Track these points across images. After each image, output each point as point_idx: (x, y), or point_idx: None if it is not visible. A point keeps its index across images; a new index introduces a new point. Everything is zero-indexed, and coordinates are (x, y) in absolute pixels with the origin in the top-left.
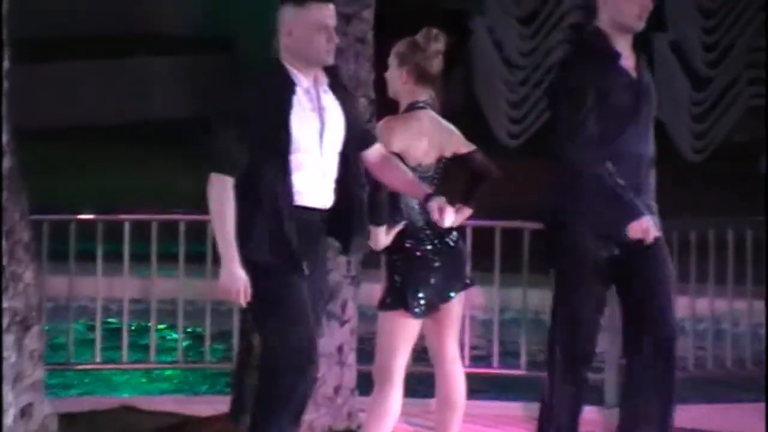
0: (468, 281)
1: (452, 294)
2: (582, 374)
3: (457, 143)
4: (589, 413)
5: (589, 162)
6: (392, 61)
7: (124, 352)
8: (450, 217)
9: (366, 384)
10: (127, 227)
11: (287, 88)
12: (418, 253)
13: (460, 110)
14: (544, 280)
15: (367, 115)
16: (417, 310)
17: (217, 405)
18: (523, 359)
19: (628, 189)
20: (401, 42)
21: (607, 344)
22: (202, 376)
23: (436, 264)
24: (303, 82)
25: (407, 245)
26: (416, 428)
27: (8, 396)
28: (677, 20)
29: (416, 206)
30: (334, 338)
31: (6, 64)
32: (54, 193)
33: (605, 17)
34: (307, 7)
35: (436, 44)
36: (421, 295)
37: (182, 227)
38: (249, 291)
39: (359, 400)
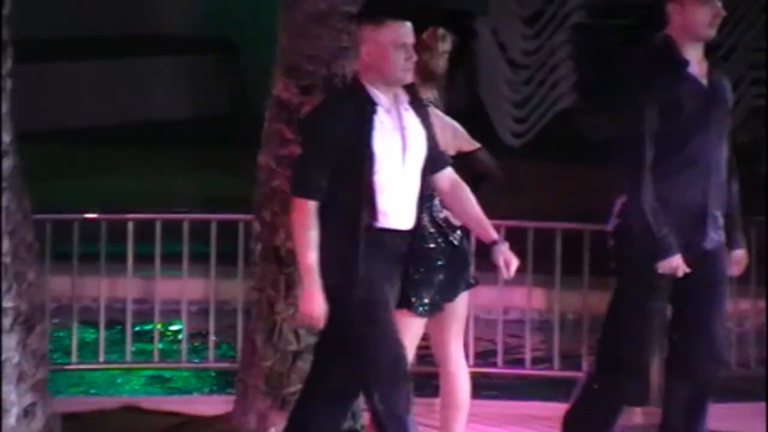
0: (472, 281)
1: (456, 294)
2: (621, 383)
3: (462, 141)
4: None
5: (633, 186)
6: None
7: (128, 352)
8: (514, 269)
9: None
10: (130, 227)
11: (368, 107)
12: (422, 252)
13: (464, 110)
14: (548, 280)
15: None
16: (420, 309)
17: (221, 405)
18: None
19: (663, 224)
20: None
21: None
22: (205, 376)
23: (440, 263)
24: (383, 101)
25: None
26: (421, 428)
27: (11, 396)
28: None
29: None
30: None
31: (9, 63)
32: (55, 195)
33: (676, 24)
34: (384, 25)
35: (442, 44)
36: (424, 294)
37: (186, 227)
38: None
39: (363, 399)
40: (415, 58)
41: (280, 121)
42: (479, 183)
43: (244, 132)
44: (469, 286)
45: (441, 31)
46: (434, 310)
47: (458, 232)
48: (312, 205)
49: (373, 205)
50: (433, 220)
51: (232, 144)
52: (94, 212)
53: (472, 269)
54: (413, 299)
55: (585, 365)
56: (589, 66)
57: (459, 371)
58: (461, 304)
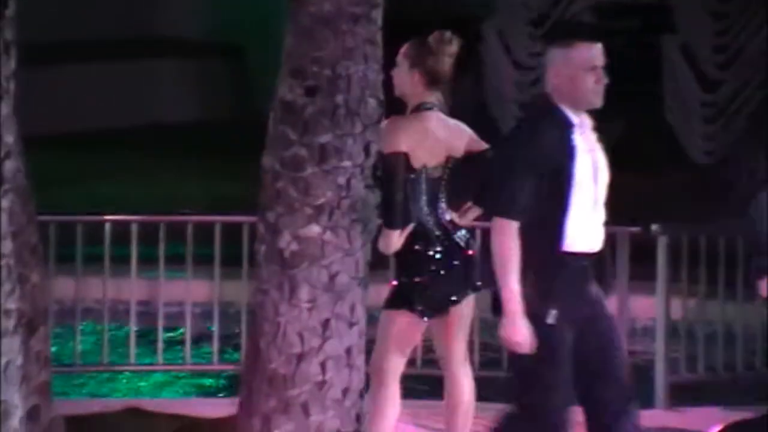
0: (479, 284)
1: (461, 297)
2: None
3: (469, 142)
4: None
5: None
6: (402, 62)
7: (132, 355)
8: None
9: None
10: (134, 229)
11: (566, 128)
12: (428, 255)
13: (471, 114)
14: None
15: (376, 117)
16: (422, 310)
17: (225, 407)
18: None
19: None
20: (411, 43)
21: None
22: (209, 378)
23: (446, 266)
24: (575, 121)
25: (417, 247)
26: (425, 430)
27: (15, 398)
28: (687, 22)
29: (425, 207)
30: (342, 340)
31: (13, 64)
32: (60, 198)
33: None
34: (575, 47)
35: (449, 47)
36: (428, 296)
37: (190, 229)
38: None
39: (368, 402)
40: (606, 80)
41: (285, 123)
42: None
43: (250, 135)
44: (475, 289)
45: (447, 34)
46: (438, 313)
47: (464, 233)
48: (516, 227)
49: (566, 227)
50: (439, 222)
51: (238, 147)
52: (98, 214)
53: (478, 273)
54: (415, 301)
55: None
56: None
57: (462, 374)
58: (467, 308)
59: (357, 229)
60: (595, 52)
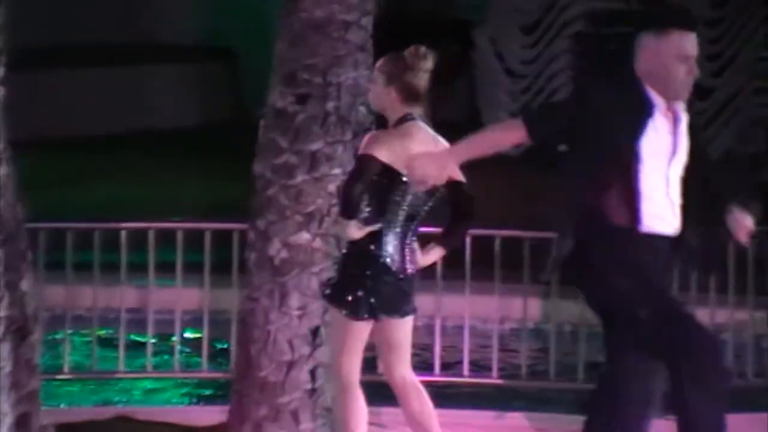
0: (411, 311)
1: (389, 316)
2: None
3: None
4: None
5: None
6: (378, 78)
7: (121, 362)
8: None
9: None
10: (124, 236)
11: (645, 106)
12: (375, 259)
13: (463, 121)
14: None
15: (367, 124)
16: (347, 311)
17: (215, 415)
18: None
19: None
20: (387, 59)
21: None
22: (199, 385)
23: (385, 282)
24: (661, 104)
25: (371, 247)
26: None
27: (4, 406)
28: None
29: (402, 220)
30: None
31: (2, 70)
32: (55, 204)
33: None
34: (668, 34)
35: (425, 62)
36: (364, 298)
37: (180, 236)
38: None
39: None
40: (697, 73)
41: (276, 130)
42: (459, 223)
43: (244, 141)
44: (404, 314)
45: (423, 49)
46: (371, 318)
47: (415, 259)
48: (521, 130)
49: (637, 207)
50: (402, 241)
51: (232, 152)
52: (90, 221)
53: (412, 302)
54: (347, 299)
55: (581, 376)
56: (587, 75)
57: (408, 392)
58: (404, 332)
59: None
60: (688, 42)
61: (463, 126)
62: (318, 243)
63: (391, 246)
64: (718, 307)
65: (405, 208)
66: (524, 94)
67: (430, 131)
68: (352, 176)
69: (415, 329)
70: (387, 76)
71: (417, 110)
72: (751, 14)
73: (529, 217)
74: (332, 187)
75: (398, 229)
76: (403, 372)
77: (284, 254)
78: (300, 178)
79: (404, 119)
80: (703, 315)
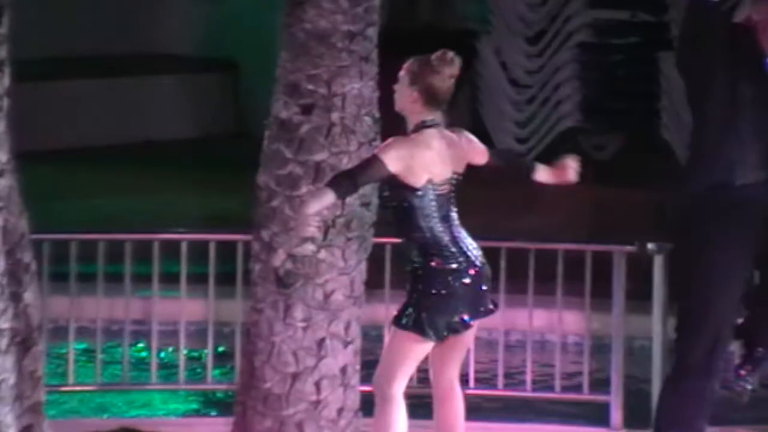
0: (492, 307)
1: (473, 318)
2: None
3: (472, 154)
4: None
5: None
6: (403, 77)
7: (125, 374)
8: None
9: (370, 405)
10: (128, 247)
11: (755, 53)
12: (445, 270)
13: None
14: (550, 300)
15: (372, 134)
16: (433, 335)
17: (219, 427)
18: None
19: None
20: (414, 60)
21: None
22: (204, 397)
23: (462, 282)
24: None
25: (432, 263)
26: None
27: (8, 418)
28: None
29: (439, 224)
30: (337, 359)
31: (6, 81)
32: (54, 216)
33: None
34: None
35: (450, 67)
36: (438, 318)
37: (184, 247)
38: None
39: (363, 421)
40: None
41: (280, 141)
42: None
43: (246, 151)
44: (488, 312)
45: (450, 54)
46: (448, 335)
47: (479, 252)
48: None
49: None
50: (453, 238)
51: (233, 164)
52: (93, 232)
53: (491, 294)
54: (426, 325)
55: (586, 387)
56: (593, 85)
57: (451, 397)
58: (470, 332)
59: (352, 247)
60: None
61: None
62: (323, 254)
63: (448, 251)
64: None
65: (435, 209)
66: (529, 104)
67: (449, 135)
68: (361, 168)
69: None
70: (411, 75)
71: (437, 115)
72: None
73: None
74: None
75: (443, 231)
76: (453, 376)
77: (289, 265)
78: (305, 188)
79: (423, 125)
80: None
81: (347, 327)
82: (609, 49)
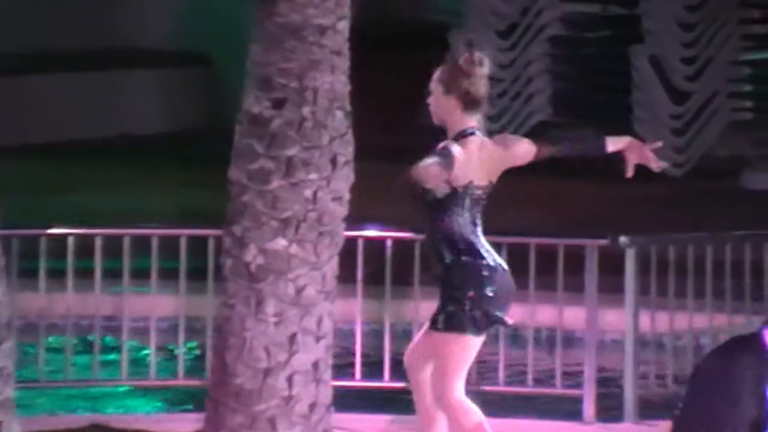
0: (508, 321)
1: (505, 315)
2: None
3: (512, 159)
4: (569, 428)
5: None
6: (436, 87)
7: (96, 370)
8: None
9: (342, 401)
10: (98, 242)
11: None
12: (478, 265)
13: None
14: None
15: (343, 128)
16: (474, 331)
17: (191, 423)
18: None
19: None
20: (444, 68)
21: (587, 359)
22: (175, 393)
23: (494, 279)
24: None
25: (465, 258)
26: None
27: None
28: (656, 33)
29: (470, 224)
30: (309, 354)
31: None
32: (26, 211)
33: None
34: None
35: (480, 68)
36: (479, 313)
37: (155, 242)
38: None
39: (335, 417)
40: None
41: (251, 136)
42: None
43: (218, 146)
44: (504, 322)
45: (477, 55)
46: (488, 327)
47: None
48: None
49: None
50: (481, 242)
51: (206, 158)
52: (64, 228)
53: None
54: (467, 322)
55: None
56: (565, 79)
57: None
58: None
59: (324, 242)
60: None
61: (441, 130)
62: (294, 249)
63: (476, 248)
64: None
65: (468, 209)
66: (500, 98)
67: (488, 144)
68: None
69: None
70: (445, 84)
71: (477, 119)
72: (726, 17)
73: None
74: (308, 193)
75: (472, 232)
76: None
77: (260, 260)
78: (276, 183)
79: (463, 134)
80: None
81: (319, 322)
82: (581, 42)
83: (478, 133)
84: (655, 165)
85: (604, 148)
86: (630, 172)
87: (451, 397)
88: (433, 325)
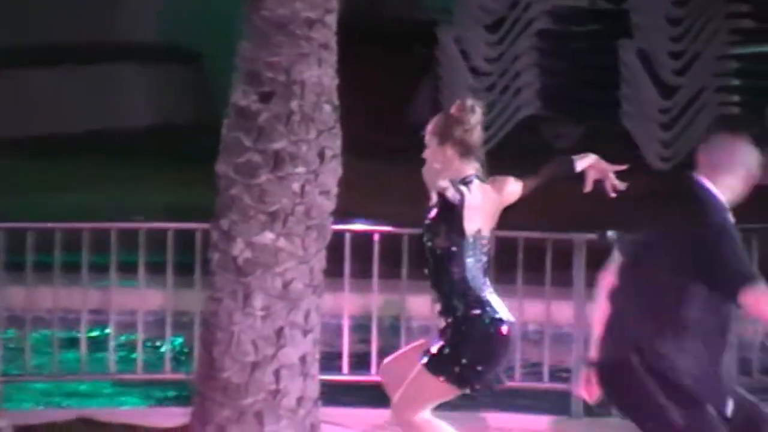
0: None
1: (501, 375)
2: None
3: (506, 199)
4: (557, 423)
5: None
6: (431, 140)
7: (83, 364)
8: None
9: (329, 395)
10: (85, 236)
11: None
12: (485, 323)
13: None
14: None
15: (331, 122)
16: (467, 388)
17: (178, 417)
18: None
19: None
20: (437, 119)
21: (574, 354)
22: (162, 387)
23: (502, 336)
24: None
25: (475, 312)
26: None
27: None
28: (644, 27)
29: (480, 273)
30: (296, 348)
31: None
32: (11, 207)
33: None
34: None
35: (473, 115)
36: (478, 372)
37: (142, 236)
38: None
39: (322, 411)
40: None
41: (239, 129)
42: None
43: (208, 141)
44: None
45: (468, 102)
46: (481, 388)
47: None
48: None
49: None
50: (490, 292)
51: (195, 153)
52: (49, 222)
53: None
54: (468, 377)
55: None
56: (553, 73)
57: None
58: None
59: (311, 236)
60: None
61: (428, 124)
62: (282, 242)
63: (493, 301)
64: None
65: (475, 258)
66: (489, 92)
67: (487, 189)
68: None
69: None
70: (439, 136)
71: (474, 166)
72: (714, 11)
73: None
74: (296, 186)
75: (483, 283)
76: None
77: (248, 254)
78: (264, 177)
79: (465, 182)
80: None
81: (306, 316)
82: (569, 36)
83: (476, 180)
84: (613, 187)
85: (573, 168)
86: (588, 188)
87: (413, 417)
88: (425, 362)
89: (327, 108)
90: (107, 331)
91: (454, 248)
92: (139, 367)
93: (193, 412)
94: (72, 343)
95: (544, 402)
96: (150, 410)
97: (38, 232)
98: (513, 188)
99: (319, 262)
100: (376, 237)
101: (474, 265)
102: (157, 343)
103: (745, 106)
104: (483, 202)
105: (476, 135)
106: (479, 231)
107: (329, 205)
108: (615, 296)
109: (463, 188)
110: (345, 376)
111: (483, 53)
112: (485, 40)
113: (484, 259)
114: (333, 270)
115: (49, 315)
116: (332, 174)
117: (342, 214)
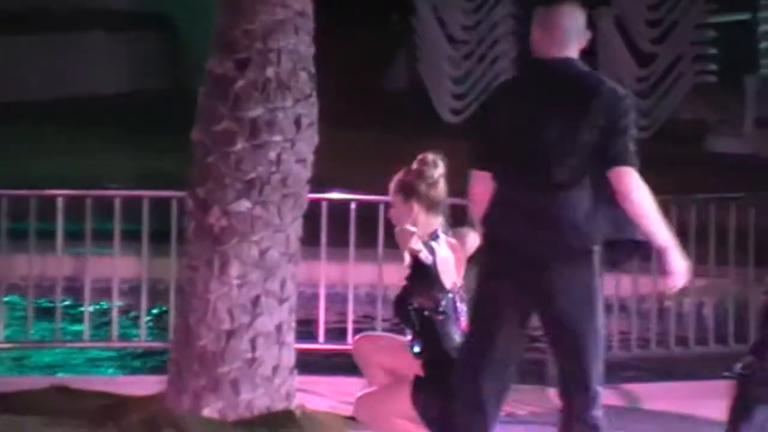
0: None
1: None
2: None
3: (469, 251)
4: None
5: None
6: (396, 197)
7: (58, 332)
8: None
9: (305, 363)
10: (60, 204)
11: None
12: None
13: (405, 90)
14: None
15: (308, 90)
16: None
17: (153, 385)
18: None
19: None
20: (400, 176)
21: None
22: (137, 355)
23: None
24: None
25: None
26: None
27: None
28: None
29: (458, 331)
30: (272, 317)
31: None
32: None
33: None
34: None
35: (436, 169)
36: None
37: (118, 204)
38: None
39: (298, 379)
40: None
41: (215, 97)
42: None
43: (181, 108)
44: None
45: (430, 157)
46: None
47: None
48: None
49: None
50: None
51: (168, 120)
52: (23, 189)
53: None
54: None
55: None
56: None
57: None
58: None
59: (288, 204)
60: None
61: (405, 93)
62: (258, 211)
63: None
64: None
65: (456, 321)
66: (466, 60)
67: (452, 243)
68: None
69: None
70: (404, 192)
71: (439, 220)
72: None
73: None
74: (272, 155)
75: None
76: None
77: (224, 222)
78: (240, 145)
79: (433, 237)
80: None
81: (282, 284)
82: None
83: (442, 235)
84: None
85: None
86: None
87: (389, 417)
88: (413, 386)
89: (303, 76)
90: (82, 298)
91: (440, 308)
92: (114, 335)
93: (168, 381)
94: (47, 311)
95: (521, 371)
96: (125, 379)
97: (12, 199)
98: (473, 238)
99: (296, 230)
100: (353, 206)
101: (453, 321)
102: (133, 312)
103: (722, 75)
104: (451, 256)
105: (440, 188)
106: (455, 284)
107: (305, 173)
108: None
109: (433, 244)
110: (321, 344)
111: (460, 21)
112: (462, 8)
113: (459, 315)
114: (309, 239)
115: (24, 282)
116: (309, 142)
117: (318, 182)
